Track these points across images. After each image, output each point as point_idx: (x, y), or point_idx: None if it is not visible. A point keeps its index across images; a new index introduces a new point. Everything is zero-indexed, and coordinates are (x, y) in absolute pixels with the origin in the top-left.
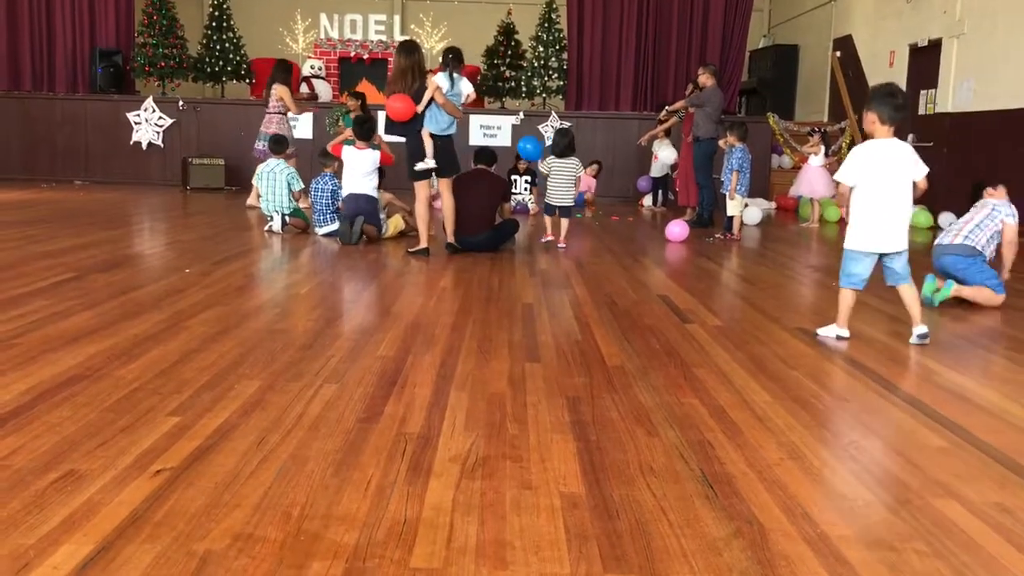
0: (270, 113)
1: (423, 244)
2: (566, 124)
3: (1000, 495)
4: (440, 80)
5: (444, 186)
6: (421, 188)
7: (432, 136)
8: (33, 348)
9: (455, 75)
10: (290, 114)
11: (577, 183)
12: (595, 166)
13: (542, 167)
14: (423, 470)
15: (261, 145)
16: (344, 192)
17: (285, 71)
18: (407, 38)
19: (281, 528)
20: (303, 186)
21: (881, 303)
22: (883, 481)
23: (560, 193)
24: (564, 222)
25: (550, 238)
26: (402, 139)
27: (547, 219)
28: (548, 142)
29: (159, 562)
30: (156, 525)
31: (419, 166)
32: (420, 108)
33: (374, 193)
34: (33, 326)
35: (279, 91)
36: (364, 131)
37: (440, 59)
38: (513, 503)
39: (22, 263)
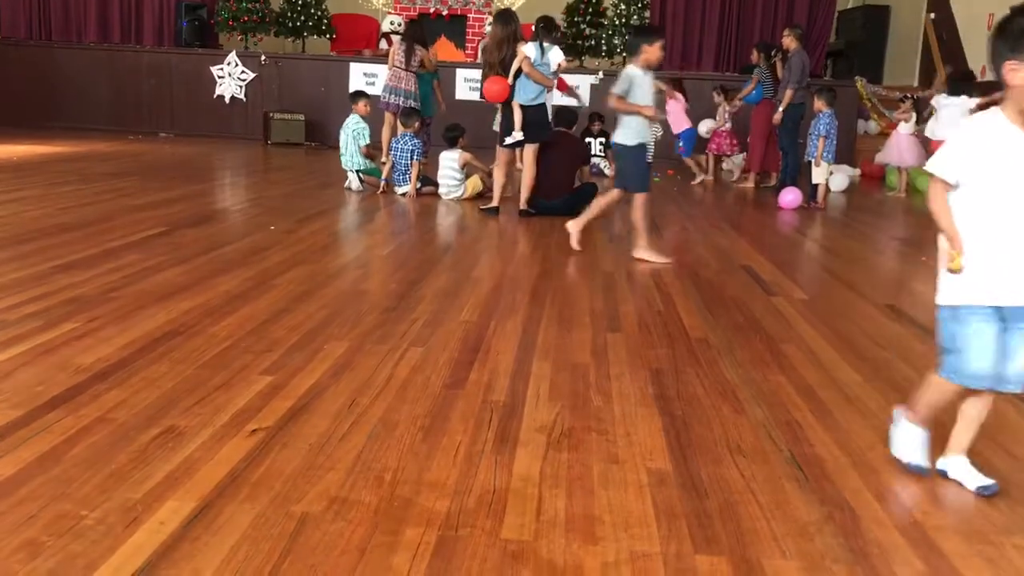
0: (409, 71)
1: (494, 203)
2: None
3: None
4: (528, 50)
5: (529, 152)
6: (503, 152)
7: (521, 107)
8: (129, 302)
9: (545, 45)
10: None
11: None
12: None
13: None
14: (510, 439)
15: (394, 99)
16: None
17: (423, 30)
18: (504, 7)
19: (375, 492)
20: (368, 141)
21: None
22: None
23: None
24: None
25: None
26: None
27: None
28: None
29: (259, 522)
30: (254, 485)
31: (507, 140)
32: (509, 79)
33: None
34: (128, 280)
35: (422, 53)
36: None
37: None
38: (601, 477)
39: (115, 215)
